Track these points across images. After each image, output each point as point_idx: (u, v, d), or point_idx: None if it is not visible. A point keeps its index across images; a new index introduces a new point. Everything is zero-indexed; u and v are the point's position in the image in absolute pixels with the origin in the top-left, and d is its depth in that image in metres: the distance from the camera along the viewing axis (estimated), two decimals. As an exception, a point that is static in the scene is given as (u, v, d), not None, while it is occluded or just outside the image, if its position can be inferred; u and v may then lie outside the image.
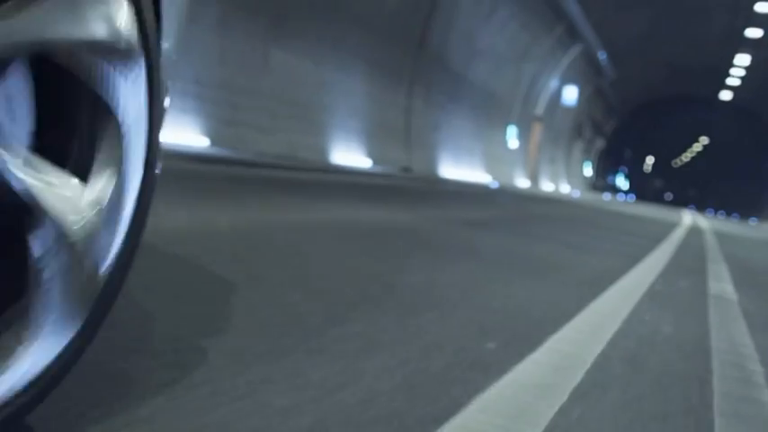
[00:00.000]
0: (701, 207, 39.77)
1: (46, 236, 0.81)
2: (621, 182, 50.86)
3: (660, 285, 3.07)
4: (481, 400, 1.17)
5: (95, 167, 0.88)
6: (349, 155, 10.70)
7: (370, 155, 11.38)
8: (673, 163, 53.23)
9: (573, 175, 33.17)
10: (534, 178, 23.66)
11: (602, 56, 24.17)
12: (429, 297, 2.06)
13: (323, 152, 9.91)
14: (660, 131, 47.19)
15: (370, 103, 11.56)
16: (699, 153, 50.36)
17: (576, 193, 26.25)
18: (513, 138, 20.28)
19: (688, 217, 16.41)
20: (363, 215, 4.57)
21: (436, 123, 14.72)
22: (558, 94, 24.11)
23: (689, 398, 1.42)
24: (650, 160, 53.51)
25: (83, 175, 0.86)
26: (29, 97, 0.83)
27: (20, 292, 0.82)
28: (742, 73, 29.05)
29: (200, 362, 1.16)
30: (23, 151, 0.78)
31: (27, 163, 0.77)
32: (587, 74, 25.56)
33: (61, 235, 0.82)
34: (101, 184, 0.88)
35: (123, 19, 0.85)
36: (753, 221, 29.26)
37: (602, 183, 44.10)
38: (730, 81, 32.17)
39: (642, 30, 23.60)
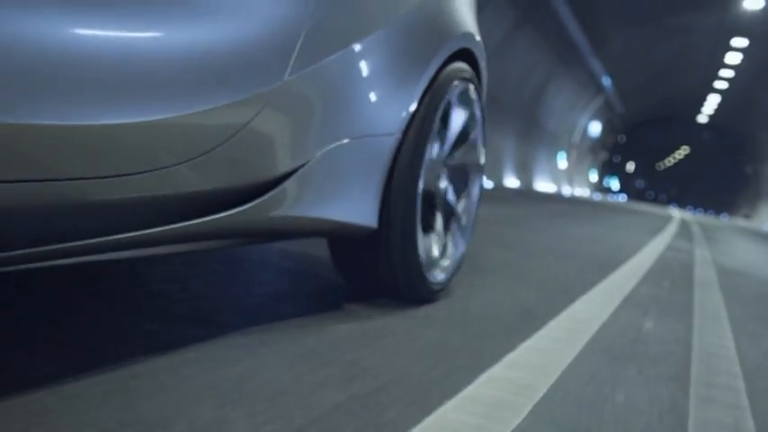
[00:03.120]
0: (681, 204, 46.15)
1: (454, 216, 1.99)
2: (615, 184, 57.72)
3: (680, 228, 12.12)
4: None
5: (464, 191, 2.04)
6: (510, 180, 20.08)
7: (518, 179, 20.80)
8: (656, 166, 59.59)
9: (587, 181, 42.31)
10: (571, 185, 33.08)
11: (606, 81, 32.83)
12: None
13: (501, 180, 19.23)
14: (650, 143, 53.62)
15: (513, 152, 20.95)
16: (680, 159, 57.09)
17: (598, 196, 35.35)
18: (562, 160, 29.58)
19: (676, 212, 23.19)
20: (531, 210, 13.46)
21: (533, 157, 24.15)
22: (586, 128, 33.50)
23: (688, 231, 10.51)
24: (640, 163, 59.64)
25: (460, 194, 2.03)
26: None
27: (449, 234, 1.97)
28: (715, 106, 37.90)
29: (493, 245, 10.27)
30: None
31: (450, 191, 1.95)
32: (604, 111, 34.98)
33: (456, 214, 2.00)
34: (465, 197, 2.05)
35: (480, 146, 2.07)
36: (724, 217, 34.54)
37: (600, 185, 51.40)
38: (706, 110, 41.08)
39: (645, 79, 32.32)
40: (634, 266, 3.67)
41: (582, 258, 3.69)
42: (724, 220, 27.52)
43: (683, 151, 56.18)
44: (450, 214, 1.98)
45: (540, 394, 1.25)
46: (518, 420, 1.11)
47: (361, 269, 1.77)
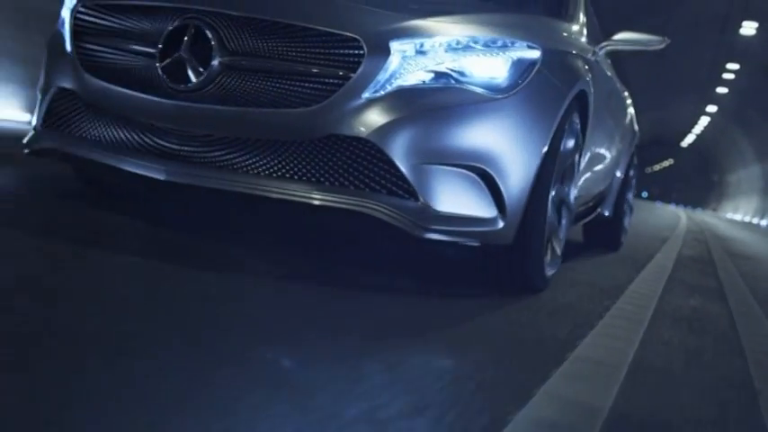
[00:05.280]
0: (665, 200, 56.20)
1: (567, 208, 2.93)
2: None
3: (684, 216, 29.15)
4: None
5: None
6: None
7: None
8: (644, 170, 68.54)
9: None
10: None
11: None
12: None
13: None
14: (642, 154, 68.43)
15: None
16: (665, 167, 69.69)
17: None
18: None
19: (664, 205, 36.50)
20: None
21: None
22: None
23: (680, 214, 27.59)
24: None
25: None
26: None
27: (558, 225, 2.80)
28: (693, 139, 54.24)
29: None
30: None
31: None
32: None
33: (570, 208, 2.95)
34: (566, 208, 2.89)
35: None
36: (698, 210, 45.29)
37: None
38: (687, 140, 56.28)
39: (649, 123, 48.79)
40: (682, 215, 20.92)
41: (666, 217, 20.89)
42: (699, 211, 39.44)
43: (667, 162, 69.19)
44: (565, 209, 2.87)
45: (683, 234, 18.41)
46: (683, 231, 18.25)
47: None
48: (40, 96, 2.54)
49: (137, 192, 3.08)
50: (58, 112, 2.40)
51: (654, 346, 2.16)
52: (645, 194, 68.30)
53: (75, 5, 2.42)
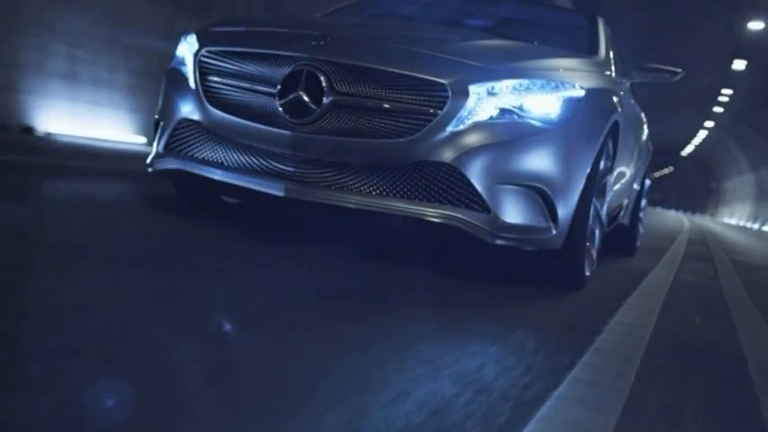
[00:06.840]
0: (665, 206, 56.61)
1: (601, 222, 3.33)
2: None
3: (686, 219, 33.27)
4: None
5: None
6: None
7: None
8: None
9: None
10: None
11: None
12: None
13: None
14: None
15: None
16: (665, 174, 70.74)
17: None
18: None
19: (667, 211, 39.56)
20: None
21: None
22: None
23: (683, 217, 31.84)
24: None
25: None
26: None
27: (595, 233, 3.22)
28: (692, 148, 53.97)
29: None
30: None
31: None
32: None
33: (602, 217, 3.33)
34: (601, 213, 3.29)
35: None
36: (698, 214, 48.19)
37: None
38: (687, 150, 56.05)
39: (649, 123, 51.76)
40: (684, 219, 25.41)
41: (671, 220, 25.35)
42: (698, 216, 43.14)
43: (667, 170, 70.62)
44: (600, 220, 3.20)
45: (689, 231, 22.58)
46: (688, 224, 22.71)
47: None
48: (160, 123, 2.81)
49: (227, 204, 3.46)
50: (181, 138, 2.70)
51: (688, 257, 6.83)
52: (645, 200, 69.47)
53: (199, 50, 2.73)
